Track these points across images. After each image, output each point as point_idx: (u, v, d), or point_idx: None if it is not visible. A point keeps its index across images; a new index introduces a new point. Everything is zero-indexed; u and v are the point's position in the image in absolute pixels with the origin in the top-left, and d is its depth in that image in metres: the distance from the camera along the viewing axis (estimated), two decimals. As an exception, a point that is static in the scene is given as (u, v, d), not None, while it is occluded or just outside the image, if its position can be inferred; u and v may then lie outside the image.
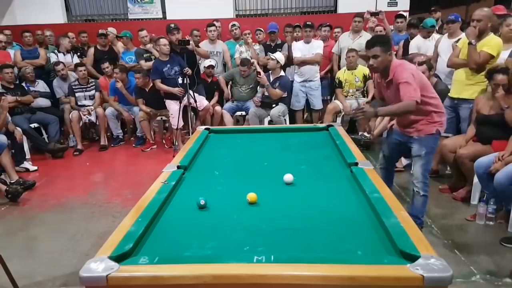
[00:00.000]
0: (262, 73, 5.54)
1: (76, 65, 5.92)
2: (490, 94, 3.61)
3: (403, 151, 3.28)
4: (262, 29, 6.24)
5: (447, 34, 4.78)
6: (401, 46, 5.78)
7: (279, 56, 5.51)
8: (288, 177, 2.31)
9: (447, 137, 4.13)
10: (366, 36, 5.82)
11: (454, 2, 9.11)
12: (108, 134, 6.11)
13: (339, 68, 5.86)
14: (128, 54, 6.48)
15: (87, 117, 5.88)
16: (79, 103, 5.94)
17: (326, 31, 6.10)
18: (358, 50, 5.52)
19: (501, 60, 3.71)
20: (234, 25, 6.40)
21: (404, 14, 6.61)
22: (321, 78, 5.97)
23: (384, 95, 3.14)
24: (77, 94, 5.91)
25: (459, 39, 4.26)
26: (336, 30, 6.37)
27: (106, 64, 6.15)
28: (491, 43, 3.71)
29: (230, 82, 6.07)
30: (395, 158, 3.36)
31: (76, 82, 5.91)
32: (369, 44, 2.93)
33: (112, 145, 6.15)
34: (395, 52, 5.69)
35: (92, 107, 5.92)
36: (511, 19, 3.85)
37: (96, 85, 6.04)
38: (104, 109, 6.04)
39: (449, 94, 4.13)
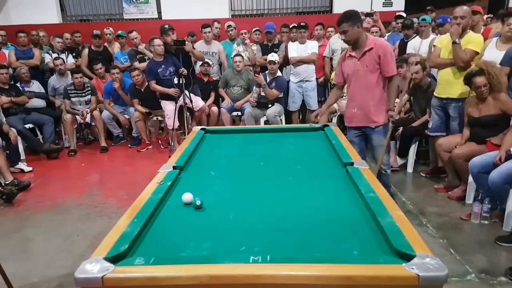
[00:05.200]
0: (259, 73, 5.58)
1: (73, 72, 5.89)
2: (475, 97, 3.66)
3: (365, 142, 3.63)
4: (260, 29, 6.24)
5: (439, 35, 4.81)
6: (396, 47, 5.80)
7: (276, 57, 5.52)
8: (187, 197, 2.02)
9: (437, 136, 4.16)
10: None
11: (449, 2, 9.14)
12: (105, 134, 6.09)
13: (331, 71, 5.87)
14: (123, 55, 6.48)
15: (81, 120, 5.88)
16: (74, 107, 5.91)
17: (318, 30, 6.11)
18: None
19: (489, 58, 3.77)
20: (230, 25, 6.40)
21: (403, 14, 6.63)
22: (317, 80, 5.99)
23: (348, 71, 3.45)
24: (72, 99, 5.89)
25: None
26: (329, 29, 6.39)
27: (99, 66, 6.15)
28: (475, 41, 3.78)
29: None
30: (365, 147, 3.70)
31: (72, 87, 5.87)
32: (338, 22, 3.32)
33: (113, 144, 6.15)
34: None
35: (88, 110, 5.90)
36: None
37: (92, 89, 6.01)
38: (100, 110, 6.03)
39: (435, 94, 4.15)
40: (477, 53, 3.77)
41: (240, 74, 5.86)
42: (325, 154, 2.83)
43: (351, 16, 3.27)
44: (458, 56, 3.77)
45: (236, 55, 5.88)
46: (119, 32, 6.51)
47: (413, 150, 4.63)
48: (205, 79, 6.14)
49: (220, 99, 6.17)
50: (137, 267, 1.44)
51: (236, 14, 8.52)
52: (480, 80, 3.47)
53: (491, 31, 4.76)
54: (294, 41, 5.90)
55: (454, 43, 3.76)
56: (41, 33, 6.81)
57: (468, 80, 3.58)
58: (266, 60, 5.65)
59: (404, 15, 6.66)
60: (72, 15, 8.64)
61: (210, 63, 6.11)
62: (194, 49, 5.79)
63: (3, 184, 4.29)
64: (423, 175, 4.49)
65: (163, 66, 5.40)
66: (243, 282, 1.36)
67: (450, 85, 3.97)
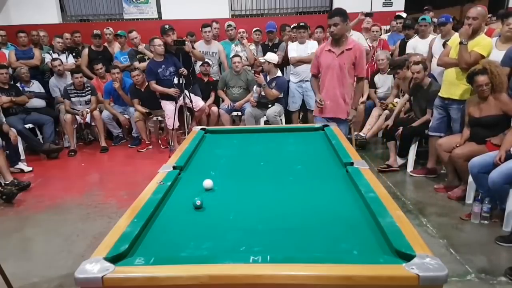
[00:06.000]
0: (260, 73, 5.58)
1: (73, 72, 5.88)
2: (477, 97, 3.64)
3: None
4: (260, 30, 6.23)
5: (440, 34, 4.81)
6: (397, 47, 5.80)
7: (270, 56, 5.51)
8: (207, 183, 2.20)
9: (437, 136, 4.15)
10: (356, 34, 5.84)
11: (449, 2, 9.15)
12: (105, 134, 6.09)
13: None
14: (123, 55, 6.47)
15: (81, 120, 5.88)
16: (74, 107, 5.91)
17: (318, 33, 6.10)
18: None
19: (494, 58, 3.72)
20: (230, 25, 6.40)
21: (403, 15, 6.63)
22: None
23: (325, 64, 3.75)
24: (72, 99, 5.89)
25: (447, 40, 4.28)
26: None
27: (100, 66, 6.14)
28: (482, 43, 3.70)
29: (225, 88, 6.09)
30: None
31: (72, 87, 5.87)
32: (331, 15, 3.57)
33: (113, 144, 6.15)
34: (391, 52, 5.75)
35: (88, 110, 5.90)
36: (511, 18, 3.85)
37: (92, 89, 6.00)
38: (100, 110, 6.03)
39: (439, 94, 4.14)
40: (483, 56, 3.66)
41: (239, 75, 5.86)
42: (325, 154, 2.83)
43: (343, 13, 3.56)
44: (462, 57, 3.71)
45: (234, 56, 5.88)
46: (119, 31, 6.51)
47: (413, 150, 4.63)
48: (205, 79, 6.14)
49: (220, 99, 6.17)
50: (137, 267, 1.44)
51: (236, 14, 8.52)
52: (482, 78, 3.46)
53: (494, 31, 4.73)
54: (294, 41, 5.90)
55: (460, 43, 3.71)
56: (41, 33, 6.81)
57: (470, 78, 3.56)
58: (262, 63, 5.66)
59: (404, 15, 6.66)
60: (72, 15, 8.63)
61: (210, 63, 6.11)
62: (194, 49, 5.79)
63: (3, 184, 4.30)
64: (414, 175, 4.48)
65: (163, 66, 5.40)
66: (243, 282, 1.36)
67: (452, 85, 3.95)
